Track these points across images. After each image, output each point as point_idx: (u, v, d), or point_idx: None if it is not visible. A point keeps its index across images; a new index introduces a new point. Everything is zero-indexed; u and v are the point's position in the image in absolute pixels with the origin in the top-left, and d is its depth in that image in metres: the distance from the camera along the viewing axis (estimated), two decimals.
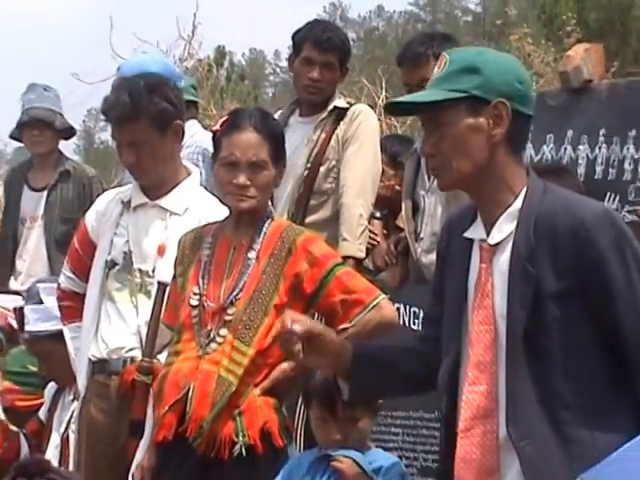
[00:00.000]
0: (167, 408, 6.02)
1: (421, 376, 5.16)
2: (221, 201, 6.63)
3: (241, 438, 5.92)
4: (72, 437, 7.37)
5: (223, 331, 6.03)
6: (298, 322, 5.05)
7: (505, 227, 4.73)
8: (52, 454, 7.39)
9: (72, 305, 7.33)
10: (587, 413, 4.61)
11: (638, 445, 3.83)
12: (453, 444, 4.86)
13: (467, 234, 4.90)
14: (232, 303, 6.09)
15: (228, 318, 6.05)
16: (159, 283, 6.59)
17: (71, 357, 7.34)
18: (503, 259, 4.74)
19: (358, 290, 6.21)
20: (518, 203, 4.75)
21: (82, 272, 7.21)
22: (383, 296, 6.31)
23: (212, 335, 6.05)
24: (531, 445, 4.64)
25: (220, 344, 6.02)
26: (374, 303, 6.17)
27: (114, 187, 7.94)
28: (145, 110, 6.84)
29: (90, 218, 7.26)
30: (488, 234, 4.78)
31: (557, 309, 4.61)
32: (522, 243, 4.67)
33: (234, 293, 6.11)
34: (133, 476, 6.33)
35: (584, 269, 4.61)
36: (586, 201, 4.92)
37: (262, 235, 6.25)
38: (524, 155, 6.77)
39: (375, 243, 8.52)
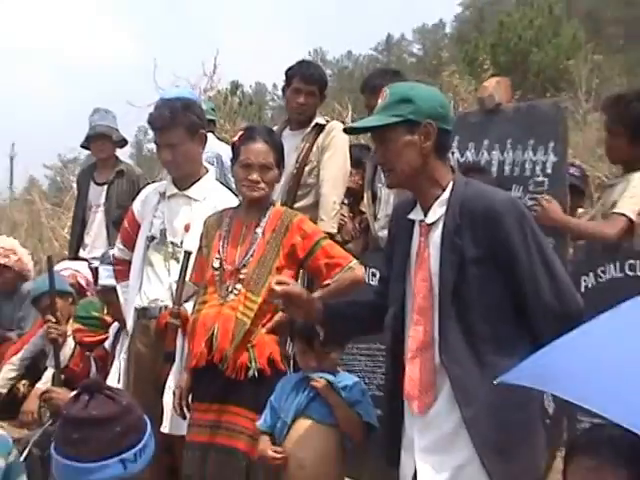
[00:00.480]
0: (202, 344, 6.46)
1: (376, 320, 5.51)
2: (234, 193, 7.28)
3: (253, 364, 6.42)
4: (122, 364, 7.56)
5: (238, 286, 6.53)
6: (281, 284, 5.62)
7: (438, 211, 5.15)
8: (114, 375, 7.61)
9: (122, 269, 7.75)
10: (497, 345, 4.99)
11: (541, 353, 3.91)
12: (397, 369, 5.31)
13: (410, 216, 5.32)
14: (244, 265, 6.60)
15: (242, 276, 6.56)
16: (185, 252, 6.99)
17: (122, 306, 7.73)
18: (436, 234, 5.16)
19: (337, 256, 6.69)
20: (446, 193, 5.16)
21: (130, 245, 7.65)
22: (355, 261, 6.76)
23: (230, 289, 6.56)
24: (457, 368, 5.01)
25: (236, 295, 6.52)
26: (349, 266, 6.66)
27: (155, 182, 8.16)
28: (180, 121, 7.34)
29: (136, 205, 7.70)
30: (425, 216, 5.22)
31: (476, 270, 5.01)
32: (450, 222, 5.08)
33: (246, 258, 6.62)
34: (174, 393, 6.71)
35: (495, 241, 4.99)
36: (496, 191, 5.32)
37: (266, 217, 6.75)
38: (450, 158, 7.18)
39: (344, 222, 8.85)
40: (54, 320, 8.05)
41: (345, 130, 6.43)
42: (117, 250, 7.94)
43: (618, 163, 7.35)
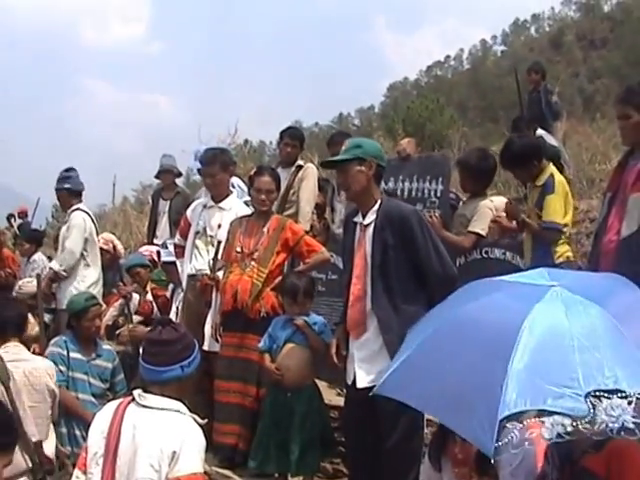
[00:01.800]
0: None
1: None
2: (253, 206, 7.02)
3: (263, 309, 6.49)
4: (180, 308, 7.53)
5: (252, 263, 6.58)
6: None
7: (371, 216, 5.32)
8: (173, 314, 7.61)
9: (180, 251, 7.60)
10: (406, 297, 5.19)
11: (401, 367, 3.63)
12: (345, 313, 5.49)
13: (355, 219, 5.49)
14: (256, 250, 6.60)
15: (255, 256, 6.58)
16: (217, 241, 7.01)
17: (180, 273, 7.66)
18: (370, 231, 5.33)
19: (314, 245, 6.77)
20: (377, 205, 5.30)
21: (184, 236, 7.50)
22: (324, 249, 6.86)
23: (247, 264, 6.60)
24: (381, 312, 5.20)
25: (251, 269, 6.57)
26: (321, 251, 6.76)
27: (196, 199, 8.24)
28: (218, 160, 7.36)
29: (188, 212, 7.57)
30: (363, 219, 5.37)
31: (393, 252, 5.21)
32: (379, 223, 5.28)
33: (257, 246, 6.63)
34: (211, 326, 6.78)
35: (404, 234, 5.19)
36: (405, 204, 5.54)
37: (270, 221, 6.74)
38: (381, 185, 7.47)
39: (314, 224, 8.70)
40: (124, 285, 8.34)
41: (322, 164, 6.31)
42: (177, 240, 7.78)
43: (467, 192, 7.23)
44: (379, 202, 5.37)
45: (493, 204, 6.94)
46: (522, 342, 3.03)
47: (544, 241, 6.22)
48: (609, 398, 2.87)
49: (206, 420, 4.09)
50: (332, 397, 6.82)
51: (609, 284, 3.66)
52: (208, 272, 7.05)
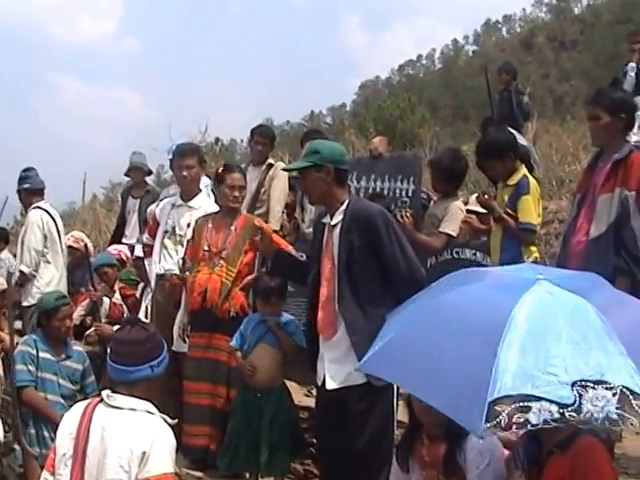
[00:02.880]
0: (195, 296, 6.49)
1: (302, 275, 5.64)
2: (223, 203, 6.90)
3: (232, 309, 6.46)
4: (149, 307, 7.53)
5: (221, 262, 6.52)
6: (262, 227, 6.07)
7: (338, 217, 5.30)
8: (142, 314, 7.59)
9: (148, 250, 7.53)
10: (372, 299, 5.14)
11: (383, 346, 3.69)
12: (314, 313, 5.39)
13: (323, 220, 5.46)
14: (225, 249, 6.55)
15: (223, 255, 6.52)
16: (187, 241, 6.95)
17: (148, 272, 7.60)
18: (337, 232, 5.29)
19: (282, 244, 6.56)
20: (343, 207, 5.28)
21: (152, 236, 7.44)
22: (291, 247, 6.84)
23: (216, 263, 6.54)
24: (348, 314, 5.16)
25: (220, 267, 6.51)
26: (289, 249, 6.60)
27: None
28: (196, 153, 7.40)
29: (157, 211, 7.48)
30: (331, 220, 5.35)
31: (360, 253, 5.18)
32: (345, 224, 5.25)
33: (225, 244, 6.57)
34: (179, 326, 6.76)
35: (371, 235, 5.16)
36: (372, 204, 5.52)
37: (237, 219, 6.68)
38: (351, 185, 7.23)
39: (284, 224, 8.71)
40: (94, 287, 8.09)
41: (283, 170, 6.53)
42: (145, 239, 7.76)
43: (438, 192, 7.27)
44: (346, 203, 5.34)
45: (462, 205, 6.99)
46: (511, 329, 3.08)
47: (517, 241, 6.24)
48: (594, 389, 2.93)
49: (176, 420, 4.08)
50: (302, 398, 6.83)
51: (588, 279, 3.72)
52: (177, 272, 7.00)
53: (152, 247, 7.48)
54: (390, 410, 5.26)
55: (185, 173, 7.24)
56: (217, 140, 21.60)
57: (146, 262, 7.73)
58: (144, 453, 3.68)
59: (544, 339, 3.09)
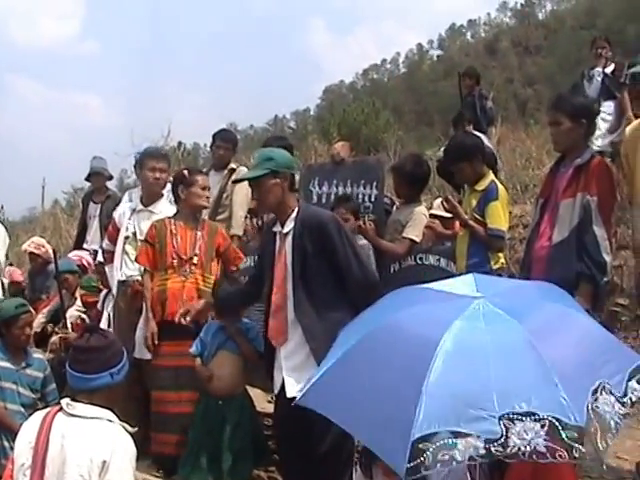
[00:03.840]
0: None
1: (256, 293, 5.72)
2: (190, 205, 6.78)
3: (211, 314, 6.42)
4: (111, 315, 7.52)
5: (192, 268, 6.49)
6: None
7: (289, 224, 5.36)
8: (105, 321, 7.62)
9: (109, 256, 7.52)
10: (328, 303, 5.19)
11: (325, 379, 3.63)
12: (266, 322, 5.49)
13: (274, 229, 5.50)
14: (196, 255, 6.53)
15: (194, 262, 6.49)
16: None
17: (109, 278, 7.60)
18: (289, 239, 5.34)
19: (239, 253, 6.81)
20: (294, 214, 5.33)
21: (113, 241, 7.43)
22: (244, 258, 6.99)
23: (188, 271, 6.50)
24: (305, 319, 5.21)
25: (193, 274, 6.49)
26: (244, 260, 6.89)
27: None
28: (167, 156, 7.55)
29: (116, 216, 7.48)
30: (282, 228, 5.39)
31: (313, 259, 5.24)
32: (297, 231, 5.29)
33: (195, 250, 6.53)
34: (144, 334, 6.59)
35: (324, 241, 5.23)
36: (324, 211, 5.66)
37: (201, 225, 6.70)
38: (313, 191, 7.43)
39: (247, 229, 8.64)
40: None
41: (234, 182, 6.67)
42: (105, 245, 7.76)
43: (401, 198, 7.31)
44: (296, 210, 5.40)
45: (425, 210, 7.03)
46: (438, 361, 3.04)
47: (484, 247, 6.25)
48: (522, 421, 2.89)
49: (136, 428, 4.06)
50: (265, 404, 6.80)
51: (537, 295, 3.70)
52: (139, 278, 6.95)
53: (112, 253, 7.44)
54: None
55: (158, 175, 7.24)
56: (180, 144, 21.56)
57: (107, 268, 7.68)
58: (104, 462, 3.67)
59: (472, 370, 3.06)
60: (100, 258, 8.11)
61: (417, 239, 6.80)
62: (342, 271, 5.27)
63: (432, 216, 7.09)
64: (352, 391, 3.35)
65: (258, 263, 5.94)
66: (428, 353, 3.07)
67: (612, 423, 3.02)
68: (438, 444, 2.84)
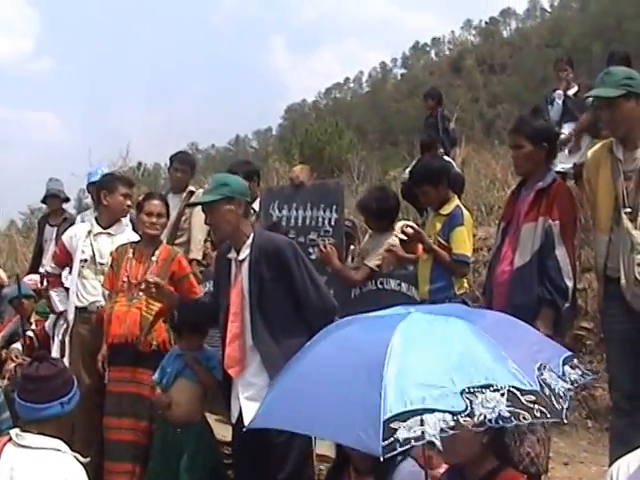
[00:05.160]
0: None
1: (212, 316, 5.68)
2: (142, 231, 6.92)
3: (154, 342, 6.47)
4: (67, 343, 7.34)
5: (140, 294, 6.38)
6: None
7: (245, 251, 5.39)
8: (55, 349, 7.52)
9: (53, 280, 7.56)
10: (286, 330, 5.22)
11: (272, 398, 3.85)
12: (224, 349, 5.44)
13: (229, 256, 5.50)
14: (145, 280, 6.27)
15: (143, 287, 6.24)
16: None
17: (56, 304, 7.56)
18: (245, 266, 5.37)
19: (196, 289, 6.77)
20: (250, 240, 5.36)
21: (59, 264, 7.50)
22: (202, 295, 6.76)
23: (135, 295, 6.51)
24: (264, 347, 5.24)
25: (139, 300, 6.48)
26: (199, 294, 6.68)
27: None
28: (131, 182, 7.66)
29: (66, 239, 7.44)
30: (237, 255, 5.42)
31: (270, 285, 5.29)
32: (253, 258, 5.34)
33: (146, 275, 6.33)
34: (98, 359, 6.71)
35: (281, 266, 5.28)
36: (279, 236, 5.64)
37: (159, 250, 6.72)
38: (273, 214, 7.36)
39: (207, 252, 8.61)
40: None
41: (188, 205, 6.78)
42: (50, 268, 7.73)
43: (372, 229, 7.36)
44: (252, 236, 5.43)
45: (395, 239, 6.98)
46: (392, 354, 3.25)
47: (447, 272, 6.29)
48: (483, 392, 3.10)
49: (89, 459, 4.07)
50: (226, 432, 6.79)
51: (459, 308, 4.02)
52: (103, 303, 6.98)
53: (57, 276, 7.54)
54: (309, 441, 5.34)
55: (129, 202, 7.41)
56: (139, 165, 21.51)
57: (52, 293, 7.65)
58: None
59: (426, 357, 3.28)
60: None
61: (376, 268, 6.86)
62: (299, 296, 5.32)
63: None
64: (309, 398, 3.47)
65: (214, 290, 5.96)
66: (380, 350, 3.28)
67: (561, 391, 3.32)
68: (409, 421, 3.00)
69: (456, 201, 6.53)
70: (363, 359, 3.35)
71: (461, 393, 3.09)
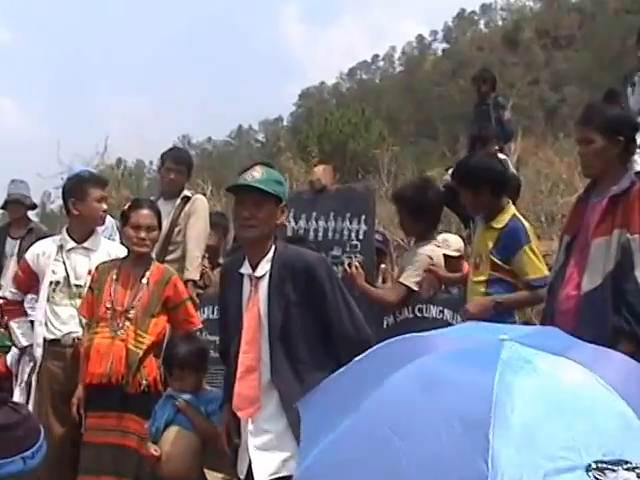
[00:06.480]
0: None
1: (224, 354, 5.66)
2: (128, 247, 6.90)
3: (144, 381, 6.44)
4: (33, 384, 7.26)
5: (127, 323, 6.49)
6: None
7: (265, 266, 5.32)
8: (22, 390, 7.41)
9: (14, 309, 7.58)
10: (312, 365, 5.19)
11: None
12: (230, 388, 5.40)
13: (242, 271, 5.43)
14: (132, 307, 6.54)
15: (130, 316, 6.50)
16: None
17: (18, 338, 7.52)
18: (264, 284, 5.32)
19: (193, 317, 6.88)
20: (271, 254, 5.33)
21: (22, 289, 7.53)
22: (200, 325, 7.02)
23: (120, 325, 6.51)
24: (284, 385, 5.19)
25: (125, 330, 6.48)
26: (197, 325, 6.90)
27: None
28: (103, 180, 7.73)
29: (30, 257, 7.43)
30: (255, 270, 5.35)
31: (297, 310, 5.25)
32: (275, 275, 5.29)
33: (134, 302, 6.56)
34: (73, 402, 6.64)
35: (311, 287, 5.25)
36: (310, 252, 5.64)
37: (150, 270, 6.71)
38: (287, 225, 7.42)
39: (205, 271, 8.73)
40: None
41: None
42: (9, 293, 7.76)
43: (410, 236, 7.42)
44: (273, 249, 5.40)
45: (436, 252, 7.03)
46: (499, 405, 3.04)
47: (507, 293, 6.25)
48: (614, 470, 2.91)
49: None
50: None
51: (551, 335, 3.81)
52: (81, 335, 6.98)
53: (19, 304, 7.61)
54: None
55: (105, 207, 7.45)
56: (119, 162, 21.58)
57: (13, 325, 7.65)
58: None
59: (540, 415, 3.07)
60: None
61: (414, 286, 6.87)
62: (331, 323, 5.34)
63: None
64: (382, 452, 3.20)
65: (220, 315, 5.94)
66: (481, 399, 3.08)
67: None
68: None
69: (511, 210, 6.46)
70: (459, 409, 3.13)
71: (587, 470, 2.88)
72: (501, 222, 6.36)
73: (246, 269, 5.45)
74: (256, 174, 5.29)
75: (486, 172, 6.49)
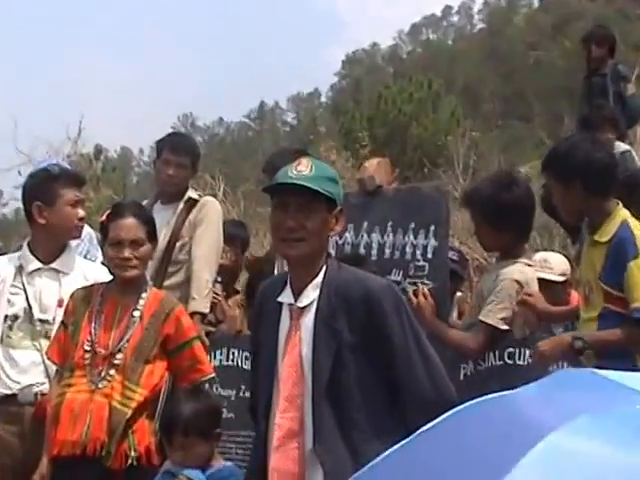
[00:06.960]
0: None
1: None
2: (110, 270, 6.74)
3: (133, 453, 6.25)
4: None
5: (112, 371, 6.32)
6: None
7: (311, 294, 5.15)
8: None
9: None
10: (372, 433, 5.00)
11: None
12: (267, 457, 5.21)
13: (280, 299, 5.26)
14: (120, 350, 6.37)
15: (117, 362, 6.34)
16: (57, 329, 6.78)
17: None
18: (309, 318, 5.15)
19: (202, 362, 6.71)
20: (320, 277, 5.16)
21: None
22: (213, 374, 6.89)
23: (103, 374, 6.33)
24: (331, 459, 5.02)
25: (109, 382, 6.31)
26: (208, 373, 6.75)
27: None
28: (79, 178, 7.80)
29: None
30: (296, 299, 5.19)
31: (352, 355, 5.05)
32: (325, 306, 5.11)
33: (121, 343, 6.41)
34: None
35: (372, 325, 5.06)
36: (372, 276, 5.46)
37: (144, 299, 6.56)
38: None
39: (217, 301, 8.68)
40: None
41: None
42: None
43: (490, 250, 7.41)
44: (323, 271, 5.29)
45: (526, 274, 6.95)
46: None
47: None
48: None
49: None
50: None
51: None
52: (47, 388, 6.93)
53: None
54: None
55: (83, 213, 7.46)
56: (99, 152, 21.64)
57: None
58: None
59: None
60: None
61: (501, 325, 6.82)
62: (399, 375, 5.20)
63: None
64: None
65: (254, 360, 5.83)
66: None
67: None
68: None
69: (621, 215, 6.33)
70: None
71: None
72: (607, 233, 6.26)
73: (287, 297, 5.32)
74: (303, 169, 5.17)
75: (579, 160, 6.32)
